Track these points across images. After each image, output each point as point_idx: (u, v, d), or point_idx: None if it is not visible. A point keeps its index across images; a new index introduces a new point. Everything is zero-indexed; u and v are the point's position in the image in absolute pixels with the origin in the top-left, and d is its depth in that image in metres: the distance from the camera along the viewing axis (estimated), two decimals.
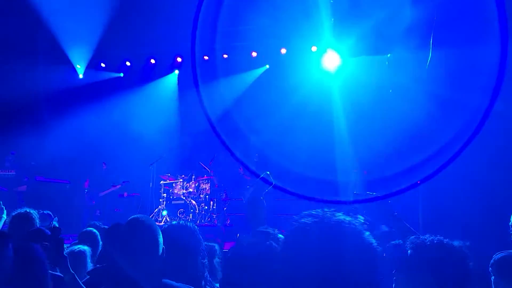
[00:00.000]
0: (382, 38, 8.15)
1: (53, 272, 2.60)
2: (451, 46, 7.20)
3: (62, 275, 2.64)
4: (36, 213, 3.47)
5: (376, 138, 8.72)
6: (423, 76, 7.39)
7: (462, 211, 7.24)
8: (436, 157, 6.96)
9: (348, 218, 1.30)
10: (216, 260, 3.56)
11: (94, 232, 4.19)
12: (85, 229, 4.33)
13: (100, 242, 4.15)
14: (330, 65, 9.75)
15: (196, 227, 2.62)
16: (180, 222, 2.57)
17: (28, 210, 3.43)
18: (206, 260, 2.55)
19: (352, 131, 9.46)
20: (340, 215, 1.30)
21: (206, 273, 2.47)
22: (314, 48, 10.26)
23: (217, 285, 2.62)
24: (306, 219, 1.29)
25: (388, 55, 8.66)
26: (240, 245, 1.67)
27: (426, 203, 8.08)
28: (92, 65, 11.33)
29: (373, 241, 1.28)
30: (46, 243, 2.58)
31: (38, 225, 3.50)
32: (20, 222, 3.39)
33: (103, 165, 10.29)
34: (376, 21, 7.75)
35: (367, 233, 1.29)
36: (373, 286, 1.25)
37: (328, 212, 1.31)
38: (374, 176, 8.58)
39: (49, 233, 2.98)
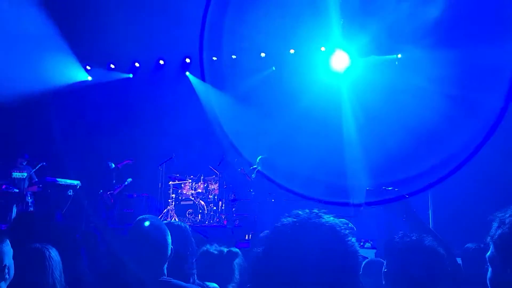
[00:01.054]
0: (393, 37, 8.11)
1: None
2: (465, 45, 7.11)
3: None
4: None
5: (386, 140, 8.67)
6: (435, 76, 7.32)
7: (473, 211, 7.18)
8: (450, 160, 6.88)
9: (332, 220, 1.25)
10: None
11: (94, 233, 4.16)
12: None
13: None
14: (339, 65, 9.72)
15: (187, 226, 2.64)
16: (173, 222, 2.58)
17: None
18: (194, 259, 2.56)
19: (362, 133, 9.41)
20: (325, 217, 1.26)
21: (194, 270, 2.49)
22: (323, 49, 10.23)
23: (213, 285, 2.62)
24: (287, 219, 1.26)
25: (399, 55, 8.61)
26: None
27: (436, 204, 8.05)
28: (101, 66, 11.37)
29: (356, 247, 1.24)
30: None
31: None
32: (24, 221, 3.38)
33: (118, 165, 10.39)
34: (386, 20, 7.69)
35: (351, 238, 1.24)
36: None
37: (313, 213, 1.27)
38: (385, 179, 8.51)
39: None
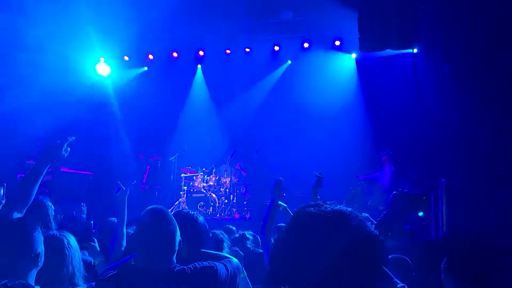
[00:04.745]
0: None
1: (84, 257, 2.62)
2: None
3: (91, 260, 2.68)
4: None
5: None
6: None
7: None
8: None
9: (348, 209, 1.31)
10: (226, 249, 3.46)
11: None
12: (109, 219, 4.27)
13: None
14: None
15: (197, 215, 2.62)
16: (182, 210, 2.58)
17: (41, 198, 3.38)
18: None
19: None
20: (340, 206, 1.31)
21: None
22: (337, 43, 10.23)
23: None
24: (308, 208, 1.31)
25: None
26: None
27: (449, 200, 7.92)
28: (116, 58, 11.40)
29: (374, 231, 1.28)
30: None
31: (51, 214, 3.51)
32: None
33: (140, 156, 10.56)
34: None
35: (369, 223, 1.30)
36: (374, 274, 1.24)
37: (328, 203, 1.33)
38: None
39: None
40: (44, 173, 2.50)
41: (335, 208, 1.29)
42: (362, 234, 1.24)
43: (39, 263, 1.95)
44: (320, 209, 1.28)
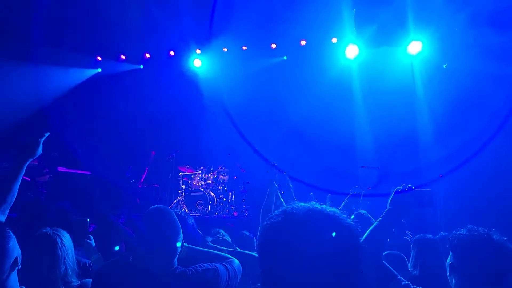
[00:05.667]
0: (403, 27, 8.01)
1: (80, 258, 2.61)
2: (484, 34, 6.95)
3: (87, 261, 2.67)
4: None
5: (397, 131, 8.61)
6: (448, 67, 7.20)
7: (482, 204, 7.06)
8: (461, 151, 6.78)
9: (320, 206, 1.29)
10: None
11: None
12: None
13: None
14: (350, 55, 9.68)
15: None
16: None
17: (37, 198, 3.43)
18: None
19: (372, 123, 9.35)
20: (311, 205, 1.29)
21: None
22: (334, 40, 10.10)
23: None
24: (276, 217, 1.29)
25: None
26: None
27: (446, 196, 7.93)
28: (111, 57, 11.39)
29: (351, 222, 1.27)
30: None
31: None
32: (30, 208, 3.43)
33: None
34: (398, 9, 7.61)
35: (344, 216, 1.28)
36: (354, 269, 1.22)
37: (297, 205, 1.30)
38: (393, 170, 8.48)
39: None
40: (24, 169, 2.47)
41: (310, 206, 1.28)
42: (343, 227, 1.24)
43: (18, 266, 1.91)
44: (294, 209, 1.28)
